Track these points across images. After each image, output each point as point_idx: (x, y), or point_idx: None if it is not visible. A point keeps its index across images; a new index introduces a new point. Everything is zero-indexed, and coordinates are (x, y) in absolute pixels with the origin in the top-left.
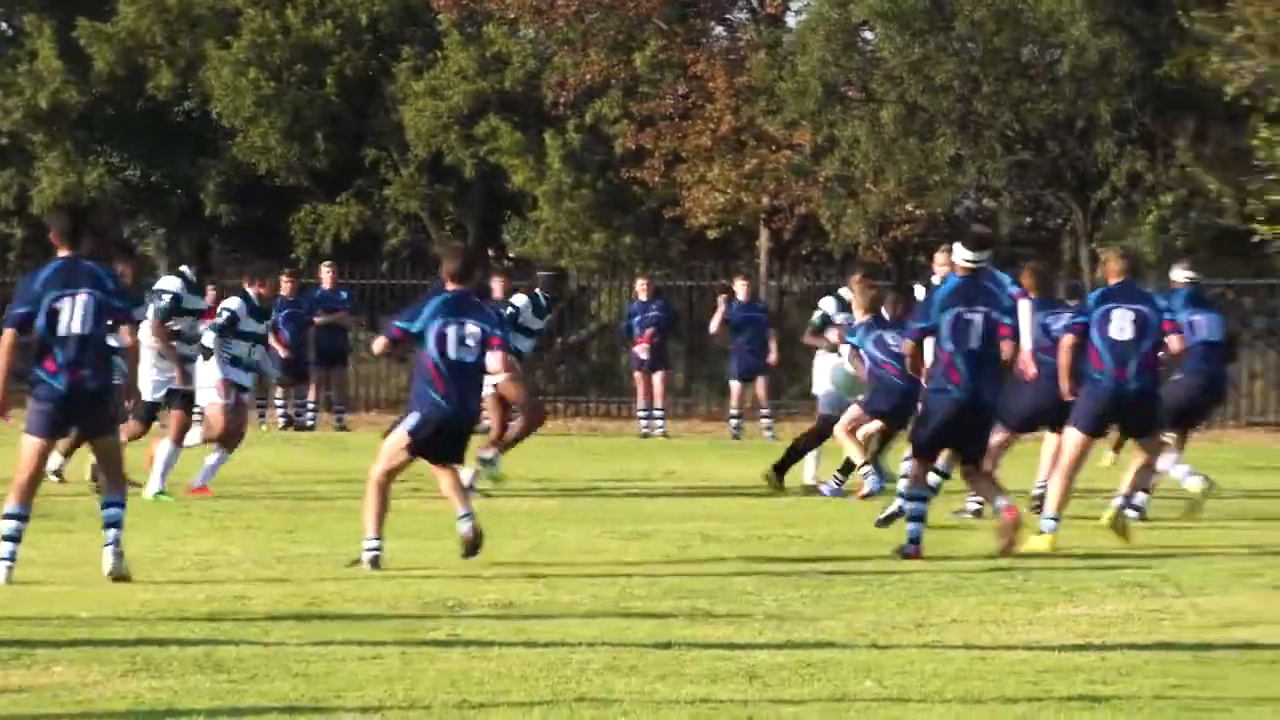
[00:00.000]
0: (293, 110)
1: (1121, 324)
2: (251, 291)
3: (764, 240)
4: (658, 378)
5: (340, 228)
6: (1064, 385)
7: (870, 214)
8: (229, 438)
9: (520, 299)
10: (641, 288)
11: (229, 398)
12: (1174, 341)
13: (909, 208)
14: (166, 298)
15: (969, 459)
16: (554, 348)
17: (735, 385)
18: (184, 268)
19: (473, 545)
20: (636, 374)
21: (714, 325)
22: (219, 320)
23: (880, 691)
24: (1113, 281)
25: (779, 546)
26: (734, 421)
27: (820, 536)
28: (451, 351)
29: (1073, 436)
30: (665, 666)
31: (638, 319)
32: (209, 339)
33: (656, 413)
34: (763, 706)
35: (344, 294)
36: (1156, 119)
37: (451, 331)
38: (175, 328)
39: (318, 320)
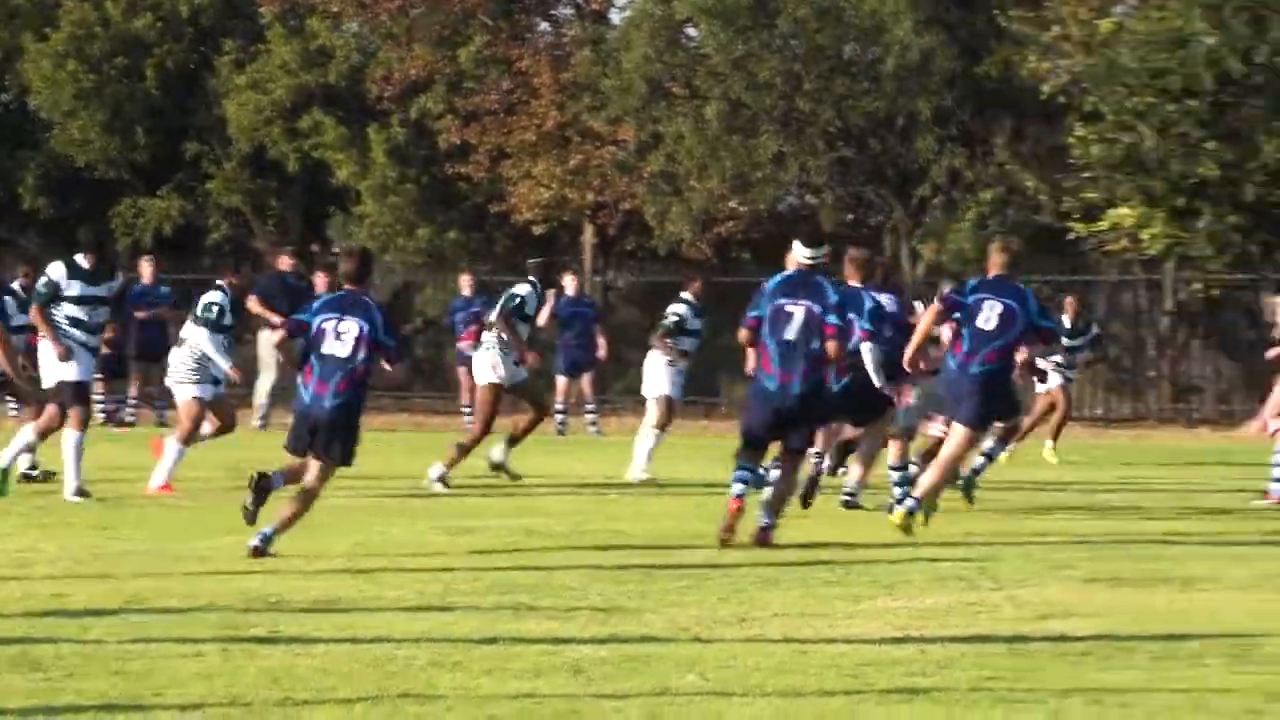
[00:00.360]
0: (113, 103)
1: (989, 315)
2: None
3: (589, 236)
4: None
5: (161, 222)
6: (908, 354)
7: (694, 211)
8: (223, 430)
9: (524, 288)
10: (465, 283)
11: (204, 392)
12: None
13: (732, 204)
14: (45, 285)
15: (789, 450)
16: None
17: (561, 380)
18: (78, 256)
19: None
20: (461, 370)
21: (542, 319)
22: (209, 315)
23: (702, 685)
24: (993, 273)
25: (604, 541)
26: (559, 417)
27: (644, 532)
28: (324, 346)
29: (958, 431)
30: (490, 662)
31: (462, 315)
32: (198, 335)
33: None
34: (586, 701)
35: (164, 289)
36: (975, 117)
37: (330, 327)
38: (78, 315)
39: (138, 315)
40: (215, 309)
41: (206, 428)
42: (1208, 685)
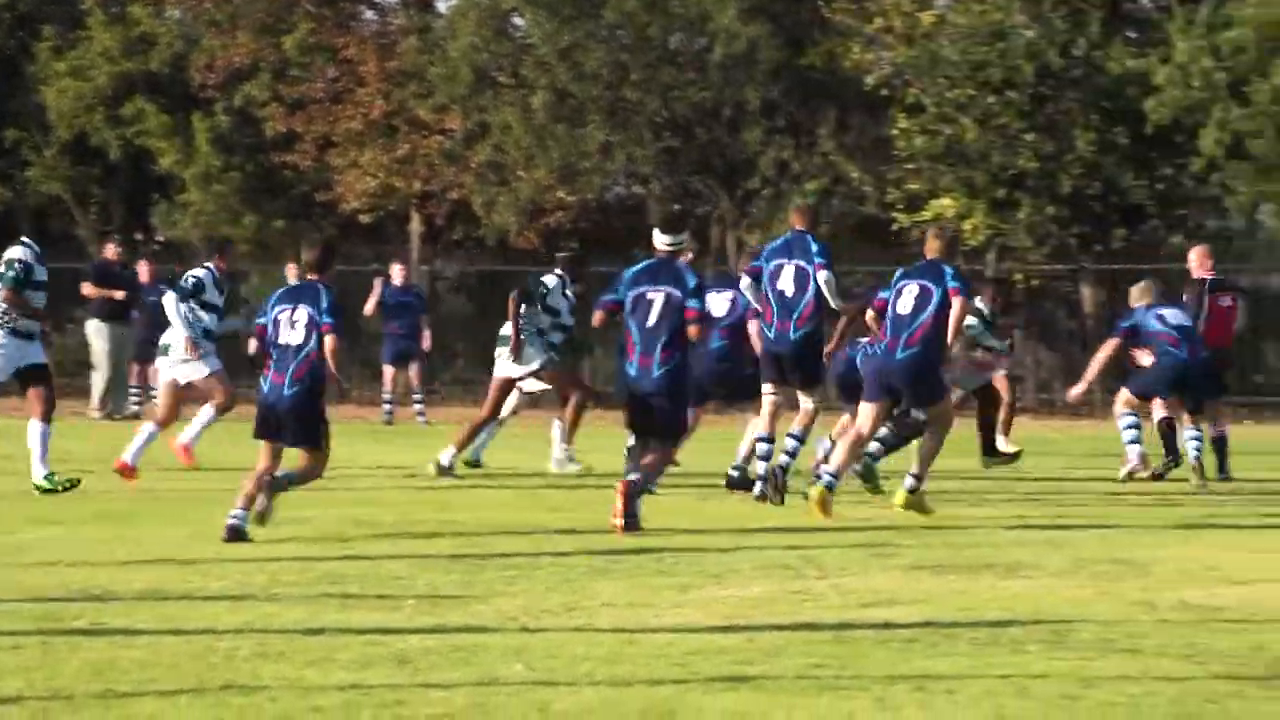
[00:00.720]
0: None
1: (907, 299)
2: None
3: (416, 225)
4: None
5: None
6: (831, 346)
7: (522, 200)
8: (223, 408)
9: (550, 279)
10: (291, 273)
11: (210, 366)
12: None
13: (560, 194)
14: (17, 266)
15: (654, 436)
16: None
17: (388, 370)
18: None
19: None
20: None
21: (368, 308)
22: (184, 285)
23: (529, 675)
24: (929, 258)
25: (432, 531)
26: (386, 406)
27: (473, 521)
28: (280, 336)
29: (863, 408)
30: (315, 652)
31: None
32: (167, 299)
33: None
34: (412, 691)
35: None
36: (801, 108)
37: (285, 317)
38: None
39: None
40: (191, 280)
41: (210, 411)
42: (1028, 671)
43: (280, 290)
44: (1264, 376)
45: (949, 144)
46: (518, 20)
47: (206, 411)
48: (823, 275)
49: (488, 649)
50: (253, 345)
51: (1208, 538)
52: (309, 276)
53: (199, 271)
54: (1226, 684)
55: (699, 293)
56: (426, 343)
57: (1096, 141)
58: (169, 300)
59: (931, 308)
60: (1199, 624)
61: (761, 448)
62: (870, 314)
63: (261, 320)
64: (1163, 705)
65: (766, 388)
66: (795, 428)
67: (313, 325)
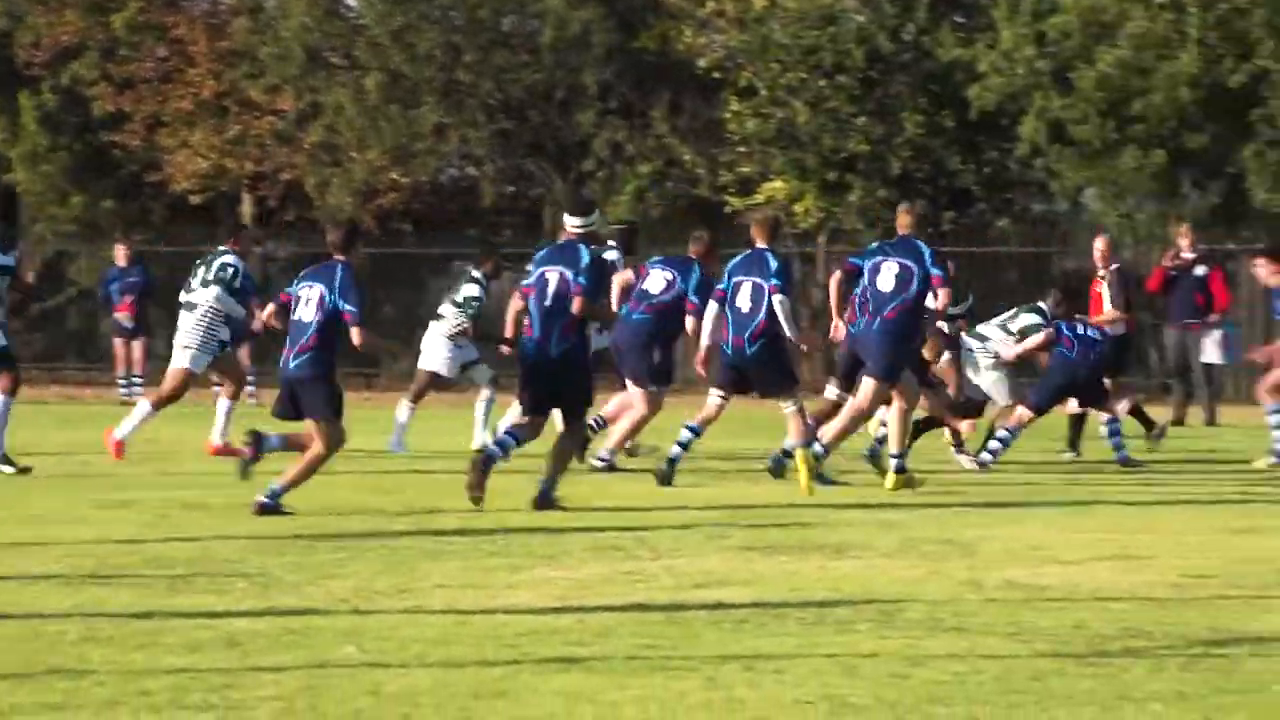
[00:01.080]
0: None
1: (887, 277)
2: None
3: (248, 207)
4: (137, 345)
5: None
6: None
7: (355, 182)
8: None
9: (613, 253)
10: (120, 254)
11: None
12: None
13: (394, 175)
14: None
15: (563, 413)
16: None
17: None
18: None
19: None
20: (116, 341)
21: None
22: (224, 275)
23: (361, 657)
24: (902, 234)
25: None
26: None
27: (304, 503)
28: (295, 313)
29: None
30: (144, 636)
31: (116, 285)
32: (209, 294)
33: (136, 380)
34: (242, 674)
35: None
36: (635, 90)
37: (302, 294)
38: None
39: None
40: (230, 270)
41: (225, 404)
42: (856, 650)
43: (307, 269)
44: None
45: (781, 127)
46: (350, 1)
47: (222, 405)
48: (777, 299)
49: (319, 631)
50: (268, 311)
51: (1033, 518)
52: (335, 256)
53: (229, 259)
54: (1049, 661)
55: (590, 271)
56: (257, 324)
57: (925, 125)
58: (219, 295)
59: (914, 287)
60: (1024, 603)
61: (684, 435)
62: (837, 275)
63: (288, 291)
64: (988, 683)
65: (716, 391)
66: (790, 440)
67: (323, 303)
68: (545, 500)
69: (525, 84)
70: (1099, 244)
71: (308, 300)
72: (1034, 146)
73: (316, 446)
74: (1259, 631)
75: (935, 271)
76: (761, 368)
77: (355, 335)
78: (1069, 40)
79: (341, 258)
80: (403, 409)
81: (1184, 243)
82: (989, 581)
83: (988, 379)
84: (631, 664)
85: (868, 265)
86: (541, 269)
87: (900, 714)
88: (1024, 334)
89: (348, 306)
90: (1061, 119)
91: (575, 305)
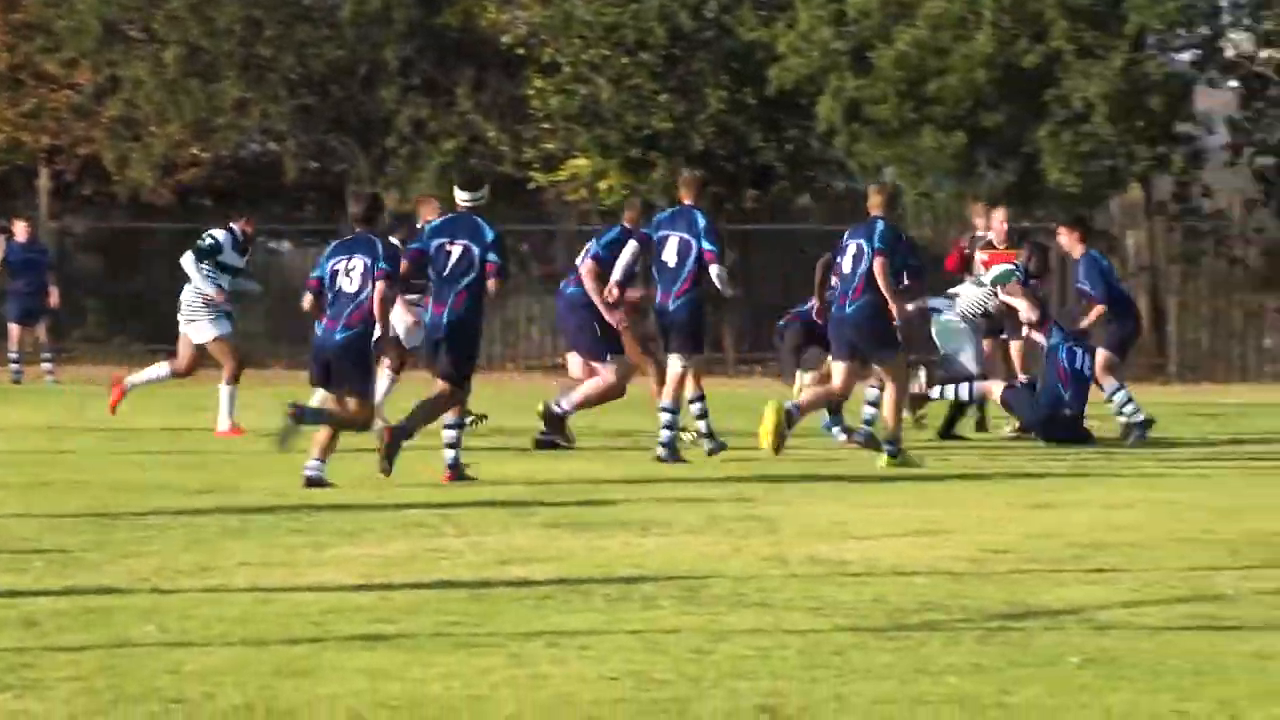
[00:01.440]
0: None
1: (848, 257)
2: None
3: (44, 181)
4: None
5: None
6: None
7: (155, 156)
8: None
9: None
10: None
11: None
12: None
13: (194, 150)
14: None
15: (442, 379)
16: None
17: (14, 328)
18: None
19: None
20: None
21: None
22: (201, 244)
23: (162, 636)
24: (871, 214)
25: (61, 492)
26: (14, 365)
27: (105, 481)
28: (336, 285)
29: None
30: None
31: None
32: (185, 260)
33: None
34: (41, 654)
35: None
36: (438, 67)
37: (341, 267)
38: None
39: None
40: (209, 240)
41: (226, 389)
42: (660, 626)
43: (334, 243)
44: None
45: (584, 104)
46: None
47: (224, 390)
48: (714, 269)
49: (119, 610)
50: (307, 300)
51: (836, 494)
52: (357, 229)
53: (218, 232)
54: (850, 635)
55: (497, 246)
56: (54, 300)
57: (727, 102)
58: (187, 259)
59: (865, 264)
60: (825, 578)
61: (665, 417)
62: (823, 262)
63: (316, 274)
64: (791, 657)
65: (673, 357)
66: (665, 399)
67: (368, 274)
68: (396, 439)
69: (327, 59)
70: (998, 216)
71: (349, 272)
72: (831, 126)
73: (345, 413)
74: (1053, 605)
75: (878, 245)
76: (676, 324)
77: (389, 288)
78: (868, 19)
79: (365, 229)
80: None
81: (980, 222)
82: (792, 557)
83: (957, 341)
84: (436, 641)
85: (839, 252)
86: (441, 240)
87: (703, 689)
88: (997, 282)
89: (389, 268)
90: (859, 99)
91: (491, 284)
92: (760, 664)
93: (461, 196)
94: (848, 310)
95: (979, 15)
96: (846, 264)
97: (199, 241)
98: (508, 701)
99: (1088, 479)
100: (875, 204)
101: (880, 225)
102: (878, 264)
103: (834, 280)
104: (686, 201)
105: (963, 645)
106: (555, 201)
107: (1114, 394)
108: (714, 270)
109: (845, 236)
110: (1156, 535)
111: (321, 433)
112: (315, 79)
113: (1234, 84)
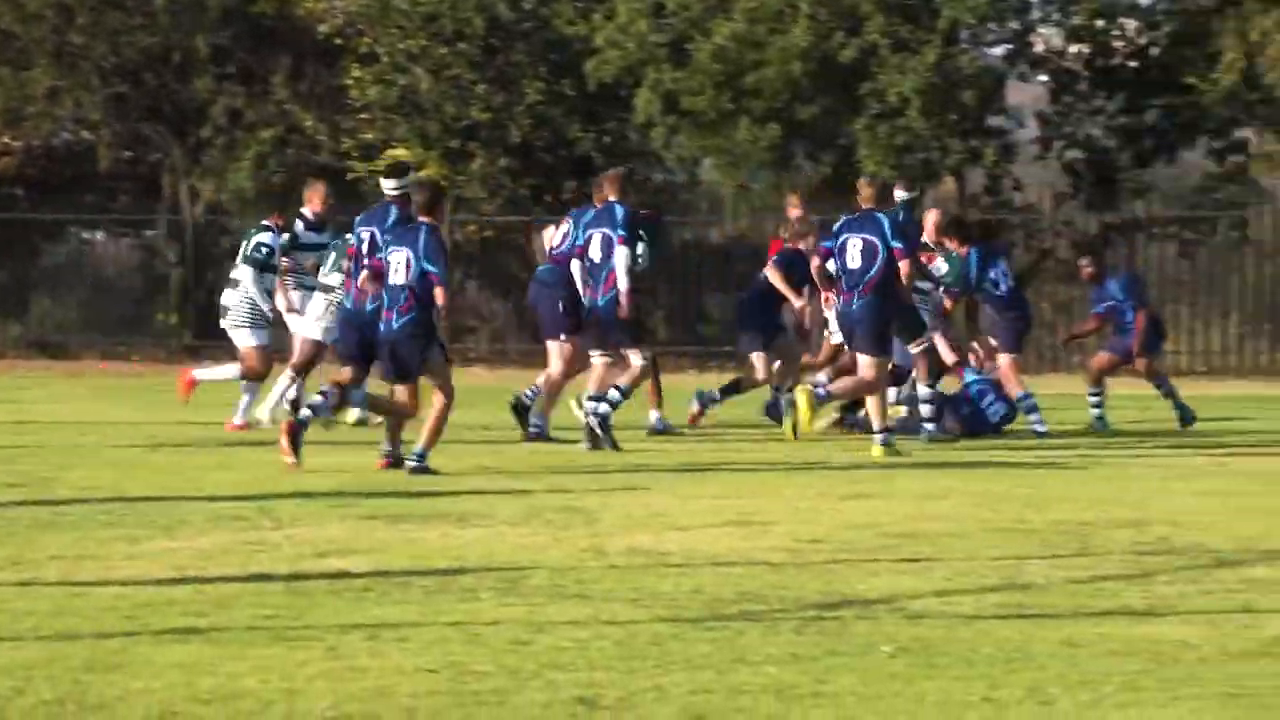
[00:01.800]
0: None
1: (853, 253)
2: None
3: None
4: None
5: None
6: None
7: None
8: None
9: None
10: None
11: (258, 338)
12: (903, 266)
13: (5, 139)
14: None
15: (395, 381)
16: None
17: None
18: None
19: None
20: None
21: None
22: (259, 255)
23: None
24: (865, 207)
25: None
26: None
27: None
28: (388, 277)
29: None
30: None
31: None
32: (245, 274)
33: None
34: None
35: None
36: (253, 55)
37: (392, 259)
38: None
39: None
40: (265, 250)
41: (235, 368)
42: (479, 618)
43: (391, 225)
44: (707, 328)
45: (403, 94)
46: None
47: (232, 369)
48: (620, 251)
49: None
50: (364, 280)
51: (655, 485)
52: (420, 217)
53: (265, 237)
54: (668, 625)
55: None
56: None
57: (545, 93)
58: (247, 275)
59: (880, 262)
60: (645, 569)
61: (589, 405)
62: (815, 263)
63: (350, 240)
64: (609, 648)
65: (593, 351)
66: (623, 381)
67: (409, 266)
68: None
69: (140, 46)
70: (931, 218)
71: (396, 265)
72: (649, 118)
73: (437, 401)
74: (866, 594)
75: (895, 244)
76: (609, 322)
77: (439, 296)
78: (687, 12)
79: (425, 218)
80: (283, 379)
81: (794, 214)
82: (611, 548)
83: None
84: (251, 634)
85: (836, 246)
86: (359, 231)
87: (522, 681)
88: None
89: (432, 269)
90: (676, 91)
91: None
92: (579, 655)
93: (387, 185)
94: (854, 306)
95: (795, 9)
96: (854, 259)
97: (254, 254)
98: (324, 694)
99: (902, 470)
100: (866, 196)
101: (886, 221)
102: (903, 268)
103: (815, 270)
104: (611, 198)
105: (780, 635)
106: (375, 192)
107: (1028, 408)
108: (619, 254)
109: (840, 228)
110: (969, 525)
111: (389, 423)
112: (129, 67)
113: (1044, 79)
